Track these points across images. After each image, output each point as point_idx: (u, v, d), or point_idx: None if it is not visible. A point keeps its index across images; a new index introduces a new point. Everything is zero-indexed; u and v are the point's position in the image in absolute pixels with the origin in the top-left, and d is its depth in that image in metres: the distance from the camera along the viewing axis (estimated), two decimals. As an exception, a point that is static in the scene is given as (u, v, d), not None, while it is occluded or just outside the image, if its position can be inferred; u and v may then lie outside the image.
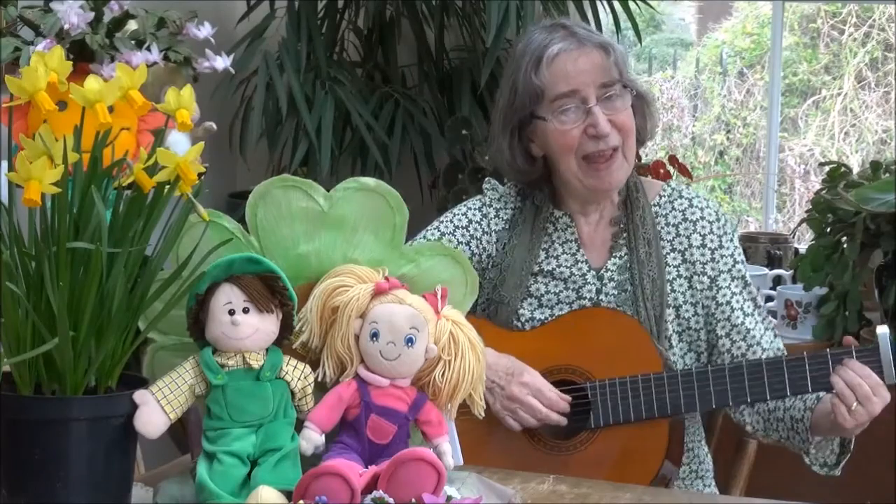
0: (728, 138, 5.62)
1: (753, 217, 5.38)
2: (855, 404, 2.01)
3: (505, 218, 2.31)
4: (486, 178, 2.39)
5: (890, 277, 3.01)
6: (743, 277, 2.26)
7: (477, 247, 2.29)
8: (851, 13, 5.32)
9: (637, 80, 2.28)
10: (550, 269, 2.26)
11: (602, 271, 2.25)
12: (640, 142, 2.30)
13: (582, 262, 2.26)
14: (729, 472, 2.38)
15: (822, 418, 2.10)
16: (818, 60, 5.43)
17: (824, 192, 3.10)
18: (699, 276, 2.24)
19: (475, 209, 2.31)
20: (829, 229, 3.11)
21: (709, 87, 5.76)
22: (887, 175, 3.03)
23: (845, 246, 3.07)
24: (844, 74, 5.36)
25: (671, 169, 3.48)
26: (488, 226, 2.30)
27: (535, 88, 2.20)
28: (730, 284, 2.24)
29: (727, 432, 2.40)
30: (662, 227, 2.27)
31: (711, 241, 2.25)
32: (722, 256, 2.25)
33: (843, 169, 3.14)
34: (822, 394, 2.12)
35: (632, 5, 3.55)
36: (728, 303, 2.23)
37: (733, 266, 2.25)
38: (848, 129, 5.34)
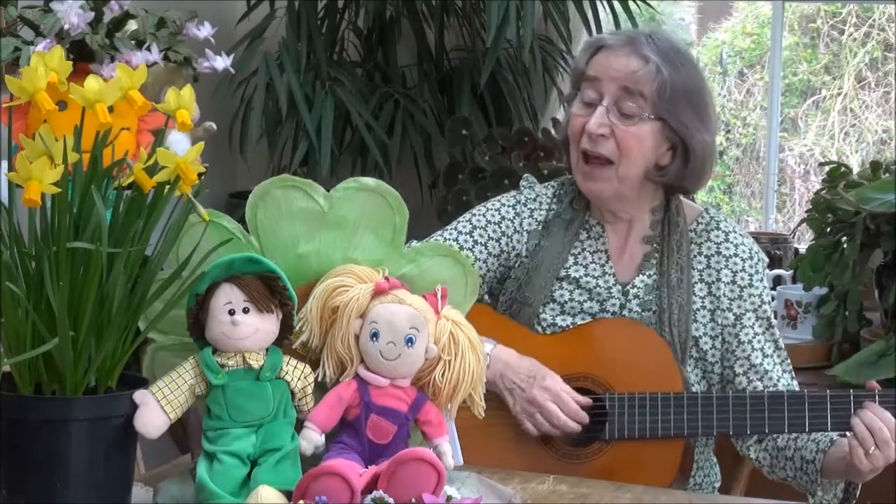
0: (728, 138, 5.61)
1: (753, 217, 5.38)
2: (873, 448, 2.01)
3: (539, 219, 2.29)
4: (525, 175, 2.37)
5: (890, 277, 3.01)
6: (768, 318, 2.24)
7: (507, 244, 2.27)
8: (851, 13, 5.32)
9: (692, 129, 2.17)
10: (577, 276, 2.24)
11: (628, 286, 2.23)
12: (669, 186, 2.24)
13: (609, 275, 2.24)
14: (729, 473, 2.38)
15: (835, 462, 2.09)
16: (818, 60, 5.43)
17: (824, 192, 3.10)
18: (723, 311, 2.22)
19: (509, 206, 2.30)
20: (829, 229, 3.10)
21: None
22: (887, 175, 3.03)
23: (845, 246, 3.07)
24: (844, 74, 5.35)
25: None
26: (521, 224, 2.28)
27: (578, 71, 2.25)
28: (754, 324, 2.22)
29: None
30: (695, 256, 2.24)
31: (742, 278, 2.22)
32: (750, 295, 2.22)
33: (843, 169, 3.13)
34: (834, 436, 2.12)
35: (632, 5, 3.55)
36: (749, 342, 2.21)
37: (760, 306, 2.23)
38: (848, 129, 5.34)
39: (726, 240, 2.25)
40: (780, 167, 5.13)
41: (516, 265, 2.27)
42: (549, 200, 2.31)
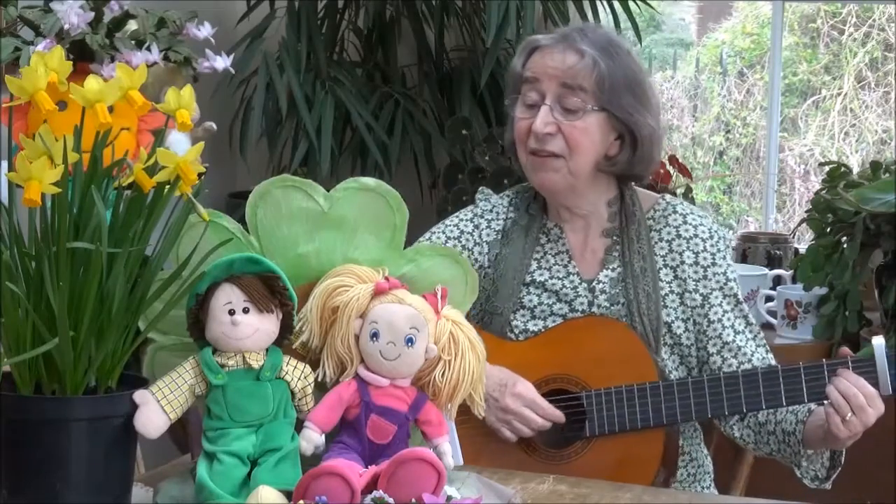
0: (728, 138, 5.62)
1: (753, 217, 5.38)
2: (849, 414, 2.01)
3: (497, 228, 2.30)
4: (480, 189, 2.39)
5: (890, 277, 3.01)
6: (735, 295, 2.24)
7: (469, 258, 2.27)
8: (851, 13, 5.32)
9: (636, 116, 2.18)
10: (543, 280, 2.25)
11: (593, 283, 2.24)
12: (621, 175, 2.25)
13: (573, 274, 2.25)
14: (729, 473, 2.38)
15: (814, 430, 2.10)
16: (818, 60, 5.43)
17: (824, 192, 3.10)
18: (691, 293, 2.22)
19: (466, 220, 2.31)
20: (829, 229, 3.11)
21: (709, 87, 5.76)
22: (887, 175, 3.03)
23: (845, 246, 3.07)
24: (844, 74, 5.35)
25: (671, 169, 3.48)
26: (480, 237, 2.30)
27: (517, 75, 2.24)
28: (721, 302, 2.23)
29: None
30: (656, 243, 2.25)
31: (704, 258, 2.23)
32: (714, 274, 2.23)
33: (843, 169, 3.13)
34: (813, 406, 2.12)
35: (632, 5, 3.55)
36: (720, 320, 2.22)
37: (725, 284, 2.23)
38: (848, 129, 5.34)
39: (685, 222, 2.26)
40: (780, 167, 5.13)
41: (481, 277, 2.28)
42: (505, 209, 2.32)
